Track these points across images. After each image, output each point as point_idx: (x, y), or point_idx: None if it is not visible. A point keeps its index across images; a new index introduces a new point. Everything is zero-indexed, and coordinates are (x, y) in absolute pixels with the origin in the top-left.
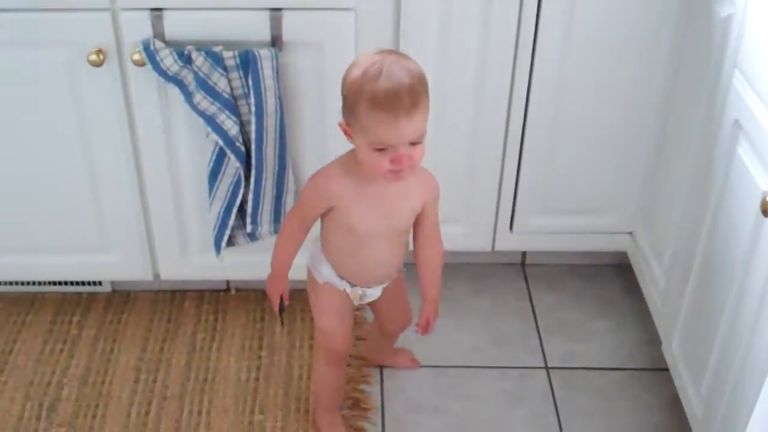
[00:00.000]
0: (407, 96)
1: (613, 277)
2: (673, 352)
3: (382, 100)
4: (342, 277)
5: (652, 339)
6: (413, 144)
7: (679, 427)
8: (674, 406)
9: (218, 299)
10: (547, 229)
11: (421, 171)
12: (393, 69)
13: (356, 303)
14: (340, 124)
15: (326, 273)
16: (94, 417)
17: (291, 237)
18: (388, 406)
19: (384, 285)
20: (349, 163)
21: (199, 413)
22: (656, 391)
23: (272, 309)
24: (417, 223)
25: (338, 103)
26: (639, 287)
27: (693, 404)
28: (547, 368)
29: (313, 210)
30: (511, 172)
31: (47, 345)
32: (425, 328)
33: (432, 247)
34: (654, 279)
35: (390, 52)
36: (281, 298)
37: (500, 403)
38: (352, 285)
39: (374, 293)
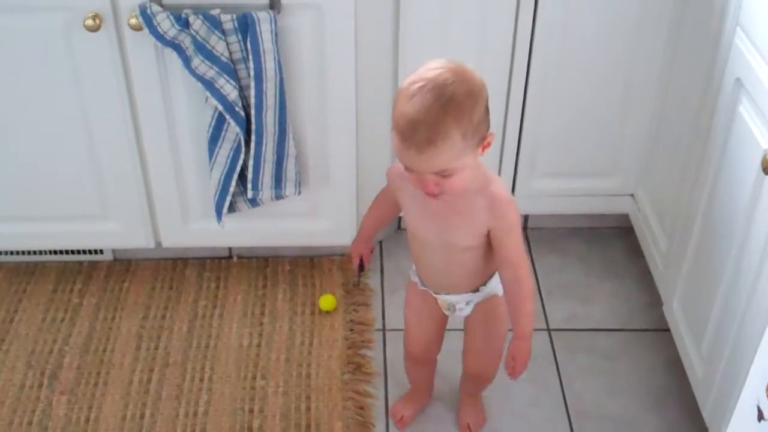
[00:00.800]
0: (423, 131)
1: (614, 239)
2: (674, 312)
3: (401, 127)
4: (418, 277)
5: (653, 300)
6: (443, 175)
7: (679, 386)
8: (675, 366)
9: (220, 266)
10: (548, 192)
11: (491, 193)
12: (427, 95)
13: (446, 312)
14: None
15: (412, 269)
16: (95, 385)
17: (376, 202)
18: (390, 370)
19: (466, 299)
20: None
21: (201, 380)
22: (657, 351)
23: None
24: (495, 250)
25: (338, 65)
26: (640, 249)
27: (693, 364)
28: (548, 330)
29: (389, 187)
30: (513, 136)
31: (48, 314)
32: (511, 368)
33: (510, 281)
34: (655, 241)
35: (451, 69)
36: (361, 259)
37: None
38: (435, 291)
39: (461, 306)
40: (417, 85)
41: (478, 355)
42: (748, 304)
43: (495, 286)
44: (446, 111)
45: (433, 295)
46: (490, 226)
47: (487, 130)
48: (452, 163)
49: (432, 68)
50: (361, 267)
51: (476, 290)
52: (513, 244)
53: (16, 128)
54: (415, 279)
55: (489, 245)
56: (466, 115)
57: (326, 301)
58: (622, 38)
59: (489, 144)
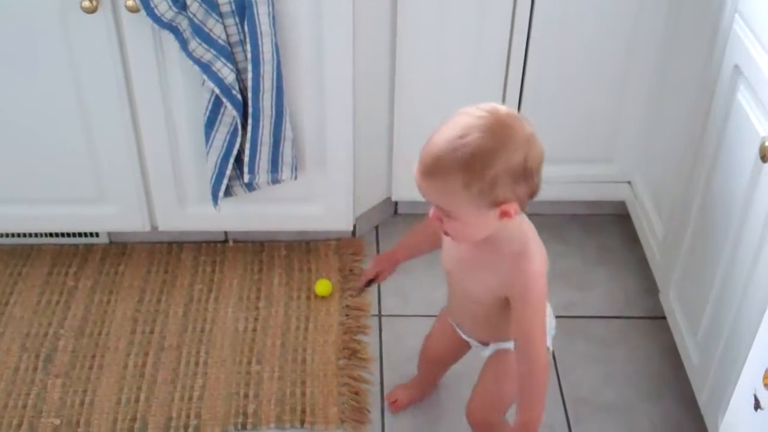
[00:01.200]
0: (430, 161)
1: (611, 226)
2: (671, 300)
3: (421, 151)
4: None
5: (650, 288)
6: (446, 214)
7: (675, 374)
8: (671, 353)
9: (216, 251)
10: (545, 178)
11: (519, 263)
12: (453, 130)
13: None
14: None
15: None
16: (90, 368)
17: (418, 227)
18: (386, 355)
19: (479, 345)
20: None
21: (197, 364)
22: (654, 338)
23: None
24: (513, 319)
25: (336, 48)
26: (637, 236)
27: (689, 351)
28: None
29: None
30: None
31: (44, 296)
32: None
33: (521, 357)
34: (652, 228)
35: (495, 120)
36: (377, 275)
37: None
38: (457, 326)
39: (474, 345)
40: (458, 116)
41: (483, 395)
42: (744, 292)
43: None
44: (456, 154)
45: (456, 329)
46: (507, 292)
47: (513, 199)
48: (449, 205)
49: (482, 109)
50: (372, 281)
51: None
52: (528, 320)
53: (12, 111)
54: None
55: (509, 308)
56: (478, 169)
57: (322, 286)
58: (620, 26)
59: (507, 213)
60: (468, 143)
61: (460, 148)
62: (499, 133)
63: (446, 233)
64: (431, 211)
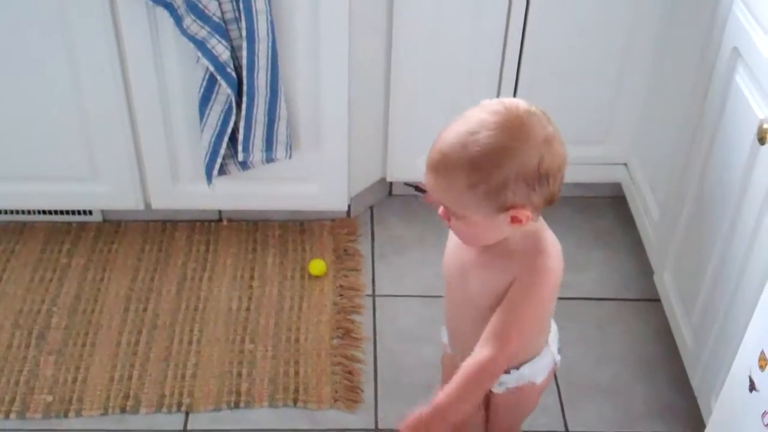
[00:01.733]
0: (437, 155)
1: (607, 208)
2: (665, 282)
3: (435, 138)
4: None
5: (644, 270)
6: (453, 214)
7: (669, 356)
8: (665, 335)
9: (210, 229)
10: None
11: (524, 254)
12: (466, 125)
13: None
14: None
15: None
16: (83, 345)
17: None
18: (379, 335)
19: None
20: None
21: (190, 342)
22: (648, 320)
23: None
24: (498, 309)
25: (332, 27)
26: (632, 218)
27: (683, 333)
28: None
29: None
30: None
31: (37, 273)
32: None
33: (481, 347)
34: (648, 210)
35: (510, 118)
36: None
37: None
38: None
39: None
40: (474, 110)
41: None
42: (740, 274)
43: (531, 373)
44: (465, 152)
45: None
46: (512, 279)
47: (526, 204)
48: (453, 204)
49: (501, 103)
50: None
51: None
52: (516, 312)
53: (5, 88)
54: (444, 340)
55: None
56: (485, 169)
57: (316, 266)
58: (619, 6)
59: (518, 220)
60: (477, 141)
61: (469, 146)
62: (513, 132)
63: (456, 234)
64: (441, 208)
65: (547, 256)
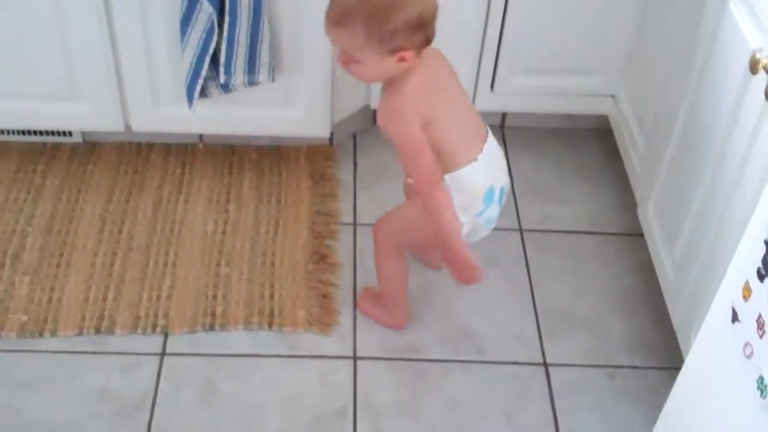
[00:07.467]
0: (336, 11)
1: (593, 141)
2: (649, 216)
3: (329, 3)
4: None
5: (628, 204)
6: (350, 58)
7: (649, 291)
8: (645, 270)
9: (186, 152)
10: (528, 89)
11: (384, 97)
12: None
13: None
14: None
15: None
16: (58, 266)
17: None
18: (359, 263)
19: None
20: None
21: (165, 264)
22: (629, 255)
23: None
24: None
25: None
26: (618, 152)
27: (665, 267)
28: (521, 230)
29: None
30: (494, 31)
31: (11, 194)
32: (456, 275)
33: (415, 188)
34: (634, 143)
35: None
36: None
37: None
38: None
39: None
40: None
41: (387, 214)
42: (726, 207)
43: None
44: (362, 6)
45: None
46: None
47: (408, 47)
48: (353, 50)
49: None
50: None
51: None
52: (403, 154)
53: None
54: None
55: None
56: (378, 20)
57: None
58: None
59: (404, 59)
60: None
61: (364, 4)
62: None
63: (351, 74)
64: (338, 54)
65: (393, 100)
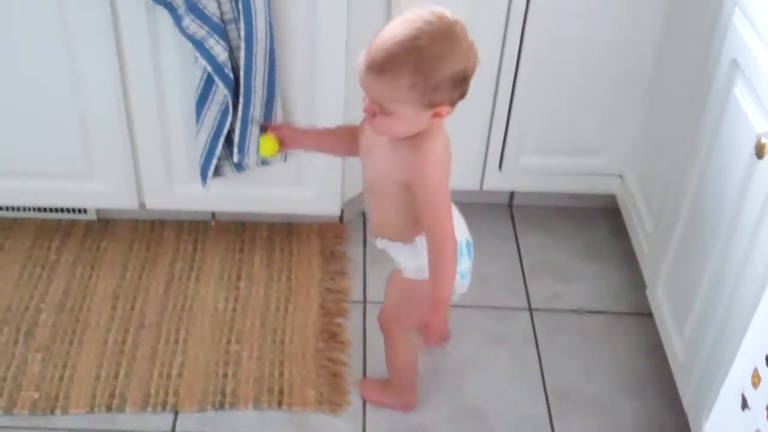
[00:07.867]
0: (381, 56)
1: (600, 220)
2: (658, 296)
3: (372, 40)
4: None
5: (637, 283)
6: (382, 110)
7: (660, 371)
8: (655, 351)
9: (198, 229)
10: (536, 169)
11: (414, 146)
12: (408, 31)
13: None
14: None
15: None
16: (71, 343)
17: (343, 126)
18: (369, 341)
19: (395, 247)
20: None
21: (176, 341)
22: (638, 335)
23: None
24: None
25: (330, 31)
26: (626, 231)
27: (675, 348)
28: (530, 309)
29: (360, 126)
30: (503, 111)
31: (26, 270)
32: (422, 331)
33: (430, 240)
34: (642, 222)
35: (446, 26)
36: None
37: (482, 341)
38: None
39: (384, 246)
40: (409, 17)
41: (388, 305)
42: (735, 289)
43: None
44: (409, 55)
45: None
46: (407, 178)
47: (448, 102)
48: (389, 101)
49: (432, 14)
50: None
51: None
52: (425, 204)
53: (2, 84)
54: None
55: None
56: (426, 70)
57: (265, 144)
58: (617, 15)
59: (440, 114)
60: (421, 47)
61: (414, 51)
62: (448, 41)
63: (373, 126)
64: (365, 104)
65: (432, 149)
